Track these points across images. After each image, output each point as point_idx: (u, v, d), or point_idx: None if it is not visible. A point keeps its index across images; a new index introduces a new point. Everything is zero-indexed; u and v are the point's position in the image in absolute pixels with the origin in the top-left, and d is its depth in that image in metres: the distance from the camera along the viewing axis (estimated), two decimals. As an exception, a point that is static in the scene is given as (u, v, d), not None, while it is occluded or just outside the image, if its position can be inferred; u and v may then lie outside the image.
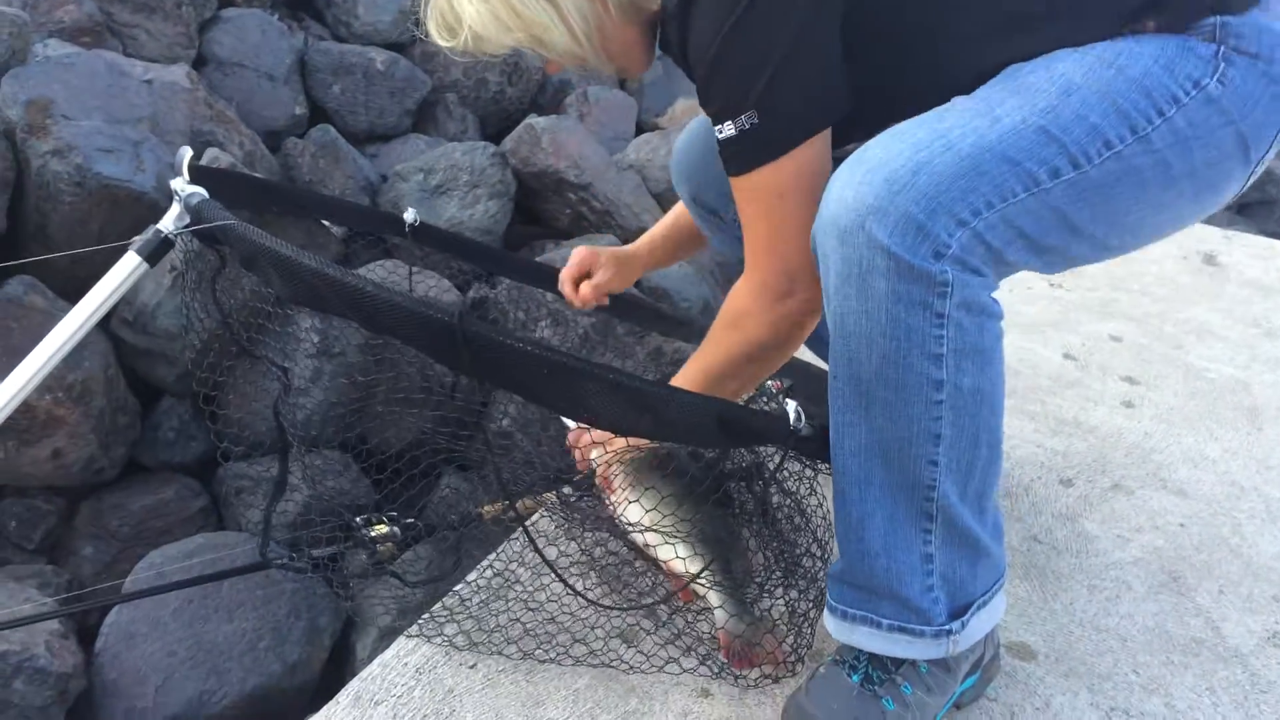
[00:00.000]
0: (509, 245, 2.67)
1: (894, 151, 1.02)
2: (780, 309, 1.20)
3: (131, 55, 2.52)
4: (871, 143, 1.05)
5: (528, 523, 1.56)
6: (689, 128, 1.63)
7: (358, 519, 1.70)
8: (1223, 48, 1.05)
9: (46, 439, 1.72)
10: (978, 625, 1.20)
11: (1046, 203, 1.05)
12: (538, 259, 2.46)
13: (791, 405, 1.16)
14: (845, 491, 1.15)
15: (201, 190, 1.30)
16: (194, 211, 1.27)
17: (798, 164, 1.11)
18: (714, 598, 1.36)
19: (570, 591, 1.33)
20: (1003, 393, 1.12)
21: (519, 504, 1.63)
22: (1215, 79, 1.04)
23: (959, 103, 1.09)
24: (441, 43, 1.24)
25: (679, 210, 1.72)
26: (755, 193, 1.15)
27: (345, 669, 1.63)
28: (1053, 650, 1.45)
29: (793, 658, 1.36)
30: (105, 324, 1.94)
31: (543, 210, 2.72)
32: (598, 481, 1.45)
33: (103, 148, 2.00)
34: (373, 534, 1.66)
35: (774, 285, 1.18)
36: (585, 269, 1.69)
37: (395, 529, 1.66)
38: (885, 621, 1.18)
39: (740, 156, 1.13)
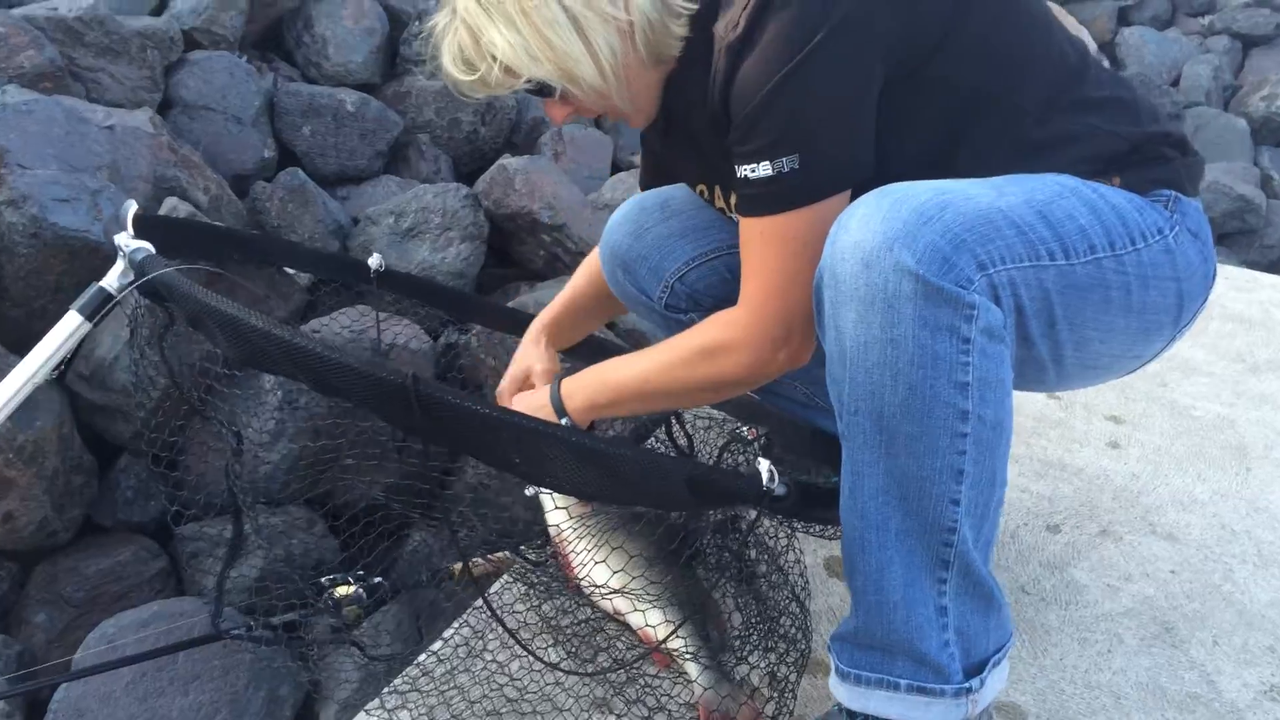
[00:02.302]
0: (482, 288, 2.62)
1: (919, 190, 1.04)
2: (769, 356, 1.19)
3: (95, 100, 2.47)
4: (892, 185, 1.05)
5: (491, 591, 1.50)
6: (619, 211, 1.61)
7: (322, 579, 1.64)
8: (1175, 215, 1.19)
9: (-3, 501, 1.65)
10: (993, 685, 1.16)
11: (1042, 281, 1.08)
12: (511, 303, 2.42)
13: (764, 464, 1.10)
14: (864, 538, 1.10)
15: (147, 245, 1.24)
16: (138, 267, 1.21)
17: (822, 215, 1.10)
18: (690, 667, 1.31)
19: (538, 661, 1.26)
20: (1012, 429, 1.11)
21: (482, 563, 1.57)
22: (1172, 235, 1.17)
23: (965, 179, 1.11)
24: (457, 76, 1.21)
25: (590, 279, 1.68)
26: (775, 237, 1.15)
27: (308, 741, 1.56)
28: (1044, 710, 1.39)
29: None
30: (60, 379, 1.87)
31: (517, 252, 2.67)
32: (556, 544, 1.40)
33: (59, 197, 1.94)
34: (337, 595, 1.60)
35: (773, 332, 1.17)
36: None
37: (361, 590, 1.60)
38: (903, 682, 1.13)
39: (770, 198, 1.13)
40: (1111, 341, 1.19)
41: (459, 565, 1.63)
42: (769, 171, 1.11)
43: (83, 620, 1.69)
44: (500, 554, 1.63)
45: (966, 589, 1.12)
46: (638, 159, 3.46)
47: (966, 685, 1.13)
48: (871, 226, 1.01)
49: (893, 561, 1.10)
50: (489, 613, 1.21)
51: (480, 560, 1.61)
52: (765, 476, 1.09)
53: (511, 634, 1.19)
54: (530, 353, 1.60)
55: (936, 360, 1.01)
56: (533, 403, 1.34)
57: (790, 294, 1.15)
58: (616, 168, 3.26)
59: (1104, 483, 1.97)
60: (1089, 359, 1.21)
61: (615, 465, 1.04)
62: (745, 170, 1.14)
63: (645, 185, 1.66)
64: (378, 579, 1.65)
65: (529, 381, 1.55)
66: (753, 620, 1.38)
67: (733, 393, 1.29)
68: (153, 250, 1.25)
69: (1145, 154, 1.22)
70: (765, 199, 1.14)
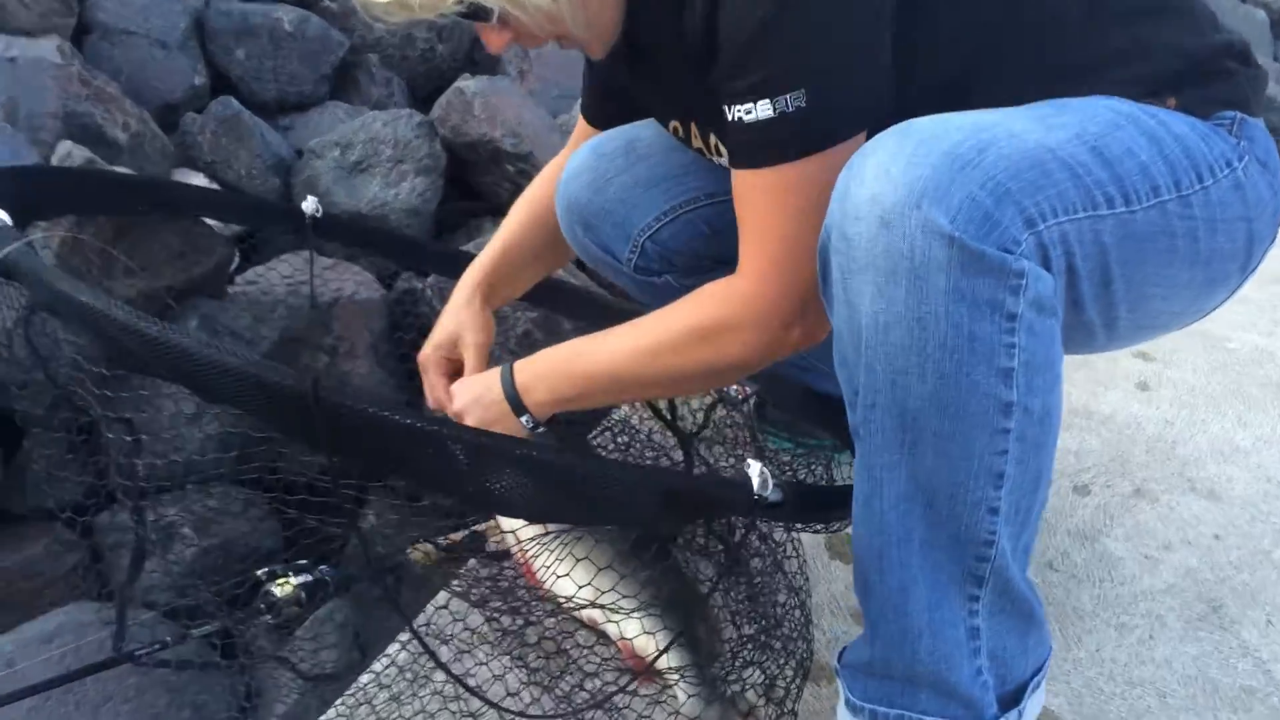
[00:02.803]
0: (442, 226, 2.38)
1: (951, 127, 0.82)
2: (781, 335, 0.99)
3: None
4: (918, 119, 0.83)
5: (427, 612, 1.30)
6: (575, 158, 1.37)
7: (258, 573, 1.45)
8: (1242, 142, 1.00)
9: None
10: (1031, 713, 1.00)
11: (1098, 234, 0.88)
12: (475, 241, 2.18)
13: (755, 467, 0.90)
14: (882, 554, 0.91)
15: (-1, 214, 1.01)
16: (-19, 241, 0.98)
17: (835, 164, 0.88)
18: (679, 690, 1.12)
19: (487, 704, 1.07)
20: (1061, 417, 0.92)
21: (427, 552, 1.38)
22: (1241, 167, 0.99)
23: (1003, 109, 0.90)
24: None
25: (527, 223, 1.43)
26: (781, 193, 0.95)
27: (246, 762, 1.38)
28: (1081, 716, 1.22)
29: None
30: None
31: (480, 184, 2.42)
32: (515, 554, 1.20)
33: (-55, 141, 1.69)
34: (274, 593, 1.40)
35: (784, 308, 0.97)
36: (445, 370, 1.34)
37: (301, 589, 1.40)
38: (926, 719, 0.95)
39: (773, 144, 0.92)
40: (1173, 298, 1.00)
41: (421, 549, 1.44)
42: (769, 113, 0.90)
43: (-4, 622, 1.49)
44: (469, 530, 1.44)
45: (1002, 606, 0.94)
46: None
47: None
48: (892, 176, 0.79)
49: (916, 582, 0.91)
50: (423, 650, 1.01)
51: (428, 548, 1.42)
52: (757, 482, 0.90)
53: (451, 675, 0.99)
54: (461, 318, 1.34)
55: (975, 342, 0.81)
56: (480, 396, 1.12)
57: (802, 261, 0.94)
58: (588, 85, 2.99)
59: (1135, 432, 1.77)
60: (1145, 319, 1.02)
61: (574, 482, 0.84)
62: (738, 112, 0.92)
63: (591, 114, 1.42)
64: (322, 568, 1.46)
65: (456, 351, 1.31)
66: (746, 629, 1.19)
67: (732, 379, 1.09)
68: (6, 218, 1.02)
69: (1206, 70, 1.01)
70: (766, 146, 0.93)
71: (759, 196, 0.96)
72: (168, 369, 0.84)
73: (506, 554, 1.31)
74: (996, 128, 0.83)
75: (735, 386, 1.61)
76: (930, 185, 0.78)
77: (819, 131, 0.90)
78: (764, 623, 1.18)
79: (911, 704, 0.96)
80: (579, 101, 1.49)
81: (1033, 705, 1.00)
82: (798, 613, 1.18)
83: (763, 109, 0.90)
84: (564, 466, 0.84)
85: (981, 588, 0.91)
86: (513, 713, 1.12)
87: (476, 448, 0.82)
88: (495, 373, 1.12)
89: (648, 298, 1.42)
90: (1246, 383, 1.93)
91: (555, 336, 1.93)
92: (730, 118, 0.93)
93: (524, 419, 1.09)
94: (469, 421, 1.10)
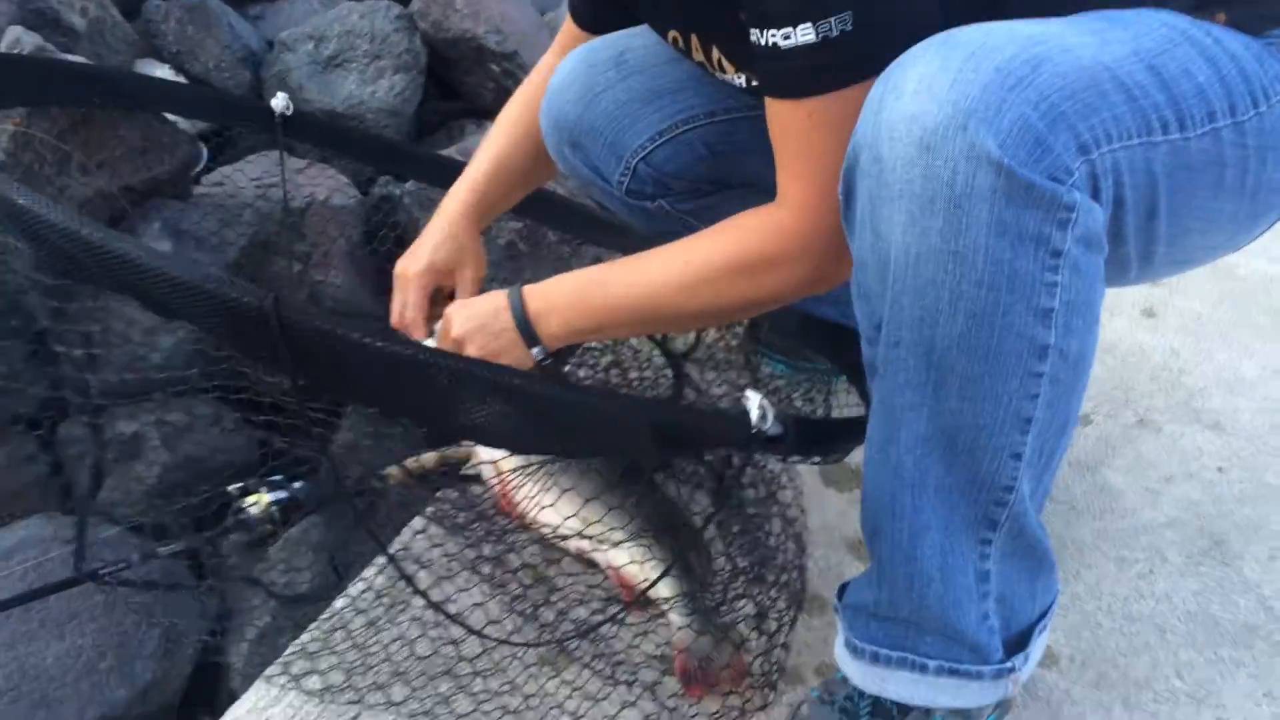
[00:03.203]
0: (422, 127, 2.26)
1: (1000, 39, 0.74)
2: (831, 269, 0.94)
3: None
4: (962, 29, 0.75)
5: (403, 538, 1.25)
6: (562, 68, 1.27)
7: (229, 488, 1.39)
8: None
9: None
10: (1036, 656, 0.97)
11: (1150, 163, 0.80)
12: (458, 145, 2.08)
13: (754, 399, 0.84)
14: (895, 500, 0.86)
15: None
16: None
17: None
18: (673, 616, 1.08)
19: (469, 632, 1.02)
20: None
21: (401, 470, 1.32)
22: None
23: (1053, 19, 0.82)
24: None
25: (518, 137, 1.33)
26: (825, 123, 0.87)
27: (219, 683, 1.34)
28: (1078, 651, 1.19)
29: (762, 683, 1.09)
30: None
31: (462, 84, 2.30)
32: (494, 486, 1.14)
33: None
34: (247, 509, 1.35)
35: (835, 241, 0.89)
36: (428, 293, 1.25)
37: (276, 502, 1.35)
38: (932, 663, 0.91)
39: (816, 72, 0.85)
40: (1213, 232, 0.93)
41: (396, 468, 1.38)
42: (811, 38, 0.81)
43: (-49, 539, 1.43)
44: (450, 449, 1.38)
45: (1015, 551, 0.90)
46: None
47: (1008, 664, 0.93)
48: (936, 92, 0.71)
49: (929, 528, 0.86)
50: (398, 575, 0.96)
51: (424, 457, 1.36)
52: (755, 415, 0.83)
53: (430, 602, 0.94)
54: (461, 244, 1.25)
55: (1015, 280, 0.74)
56: (486, 324, 1.03)
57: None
58: (578, -20, 2.84)
59: (1139, 360, 1.72)
60: (1181, 254, 0.95)
61: (563, 414, 0.77)
62: (774, 37, 0.83)
63: (580, 14, 1.31)
64: (296, 484, 1.40)
65: (447, 278, 1.23)
66: (739, 561, 1.14)
67: (768, 309, 1.03)
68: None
69: None
70: (809, 74, 0.85)
71: (801, 127, 0.89)
72: (115, 282, 0.76)
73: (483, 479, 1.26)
74: (1050, 42, 0.75)
75: None
76: (979, 105, 0.70)
77: (867, 56, 0.81)
78: (757, 555, 1.13)
79: (915, 647, 0.92)
80: None
81: (1038, 648, 0.97)
82: (791, 545, 1.14)
83: (803, 33, 0.81)
84: (550, 398, 0.78)
85: (996, 531, 0.87)
86: (494, 639, 1.07)
87: (459, 375, 0.75)
88: (500, 297, 1.04)
89: (639, 222, 1.34)
90: (1255, 311, 1.88)
91: (540, 249, 1.85)
92: (762, 42, 0.84)
93: (535, 350, 1.02)
94: (470, 350, 1.02)
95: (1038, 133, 0.72)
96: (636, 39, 1.25)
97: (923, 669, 0.92)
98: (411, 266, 1.23)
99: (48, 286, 0.93)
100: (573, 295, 1.02)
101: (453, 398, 0.76)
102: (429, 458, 1.36)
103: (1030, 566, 0.92)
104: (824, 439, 0.98)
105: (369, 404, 0.84)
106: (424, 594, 0.99)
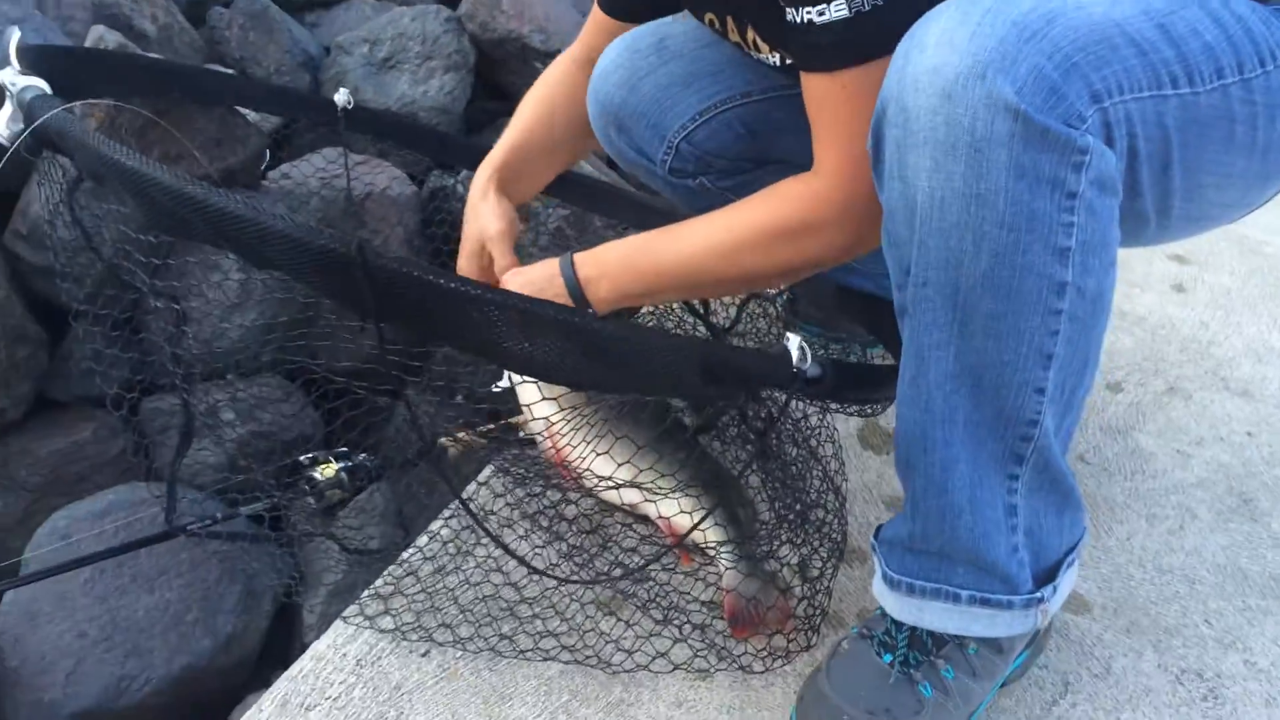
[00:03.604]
0: (471, 124, 2.36)
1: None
2: (867, 233, 0.97)
3: (24, -84, 2.16)
4: None
5: (471, 488, 1.33)
6: (606, 55, 1.33)
7: (301, 459, 1.48)
8: None
9: (-70, 377, 1.47)
10: (1065, 590, 1.02)
11: (1161, 116, 0.85)
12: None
13: (794, 340, 0.91)
14: (926, 434, 0.92)
15: (39, 83, 1.01)
16: (28, 110, 0.98)
17: None
18: (721, 561, 1.14)
19: (531, 571, 1.10)
20: (1113, 298, 0.91)
21: (465, 438, 1.40)
22: None
23: None
24: None
25: (542, 116, 1.40)
26: (859, 93, 0.92)
27: (292, 638, 1.42)
28: (1110, 600, 1.24)
29: (805, 625, 1.15)
30: (-3, 239, 1.66)
31: (507, 83, 2.39)
32: (544, 441, 1.21)
33: (-25, 28, 1.68)
34: (316, 477, 1.44)
35: (870, 207, 0.93)
36: (480, 261, 1.32)
37: (343, 470, 1.44)
38: (965, 594, 0.97)
39: (849, 46, 0.91)
40: (1227, 188, 0.98)
41: (451, 439, 1.46)
42: (844, 13, 0.88)
43: (41, 505, 1.53)
44: (502, 422, 1.46)
45: (1041, 485, 0.95)
46: (642, -26, 3.11)
47: (1038, 595, 0.98)
48: (956, 45, 0.77)
49: (959, 460, 0.91)
50: (469, 518, 1.04)
51: (464, 435, 1.44)
52: (796, 355, 0.90)
53: (496, 540, 1.02)
54: (479, 212, 1.31)
55: (1033, 221, 0.80)
56: (542, 290, 1.09)
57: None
58: (619, -17, 2.93)
59: (1170, 332, 1.76)
60: (1197, 210, 0.99)
61: (616, 348, 0.84)
62: (809, 13, 0.89)
63: (614, 4, 1.36)
64: (362, 456, 1.49)
65: (485, 250, 1.29)
66: (781, 510, 1.20)
67: (808, 274, 1.10)
68: (47, 89, 1.02)
69: None
70: (842, 48, 0.91)
71: (835, 98, 0.94)
72: (214, 233, 0.84)
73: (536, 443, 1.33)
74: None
75: None
76: (996, 55, 0.76)
77: (896, 28, 0.85)
78: (799, 504, 1.19)
79: (949, 578, 0.97)
80: None
81: (1066, 582, 1.02)
82: (832, 496, 1.20)
83: (837, 9, 0.87)
84: (609, 334, 0.85)
85: (1022, 466, 0.92)
86: (555, 577, 1.14)
87: (524, 313, 0.83)
88: (553, 264, 1.10)
89: (682, 201, 1.41)
90: (1284, 286, 1.92)
91: (587, 234, 1.93)
92: (797, 19, 0.91)
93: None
94: None
95: (1052, 81, 0.77)
96: (676, 25, 1.32)
97: (956, 599, 0.97)
98: (460, 264, 1.32)
99: (149, 249, 1.01)
100: (622, 260, 1.09)
101: (518, 335, 0.84)
102: (482, 429, 1.45)
103: (1056, 501, 0.97)
104: (859, 382, 1.03)
105: (444, 341, 0.91)
106: (492, 534, 1.06)
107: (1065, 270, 0.82)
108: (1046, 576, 0.99)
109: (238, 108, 1.61)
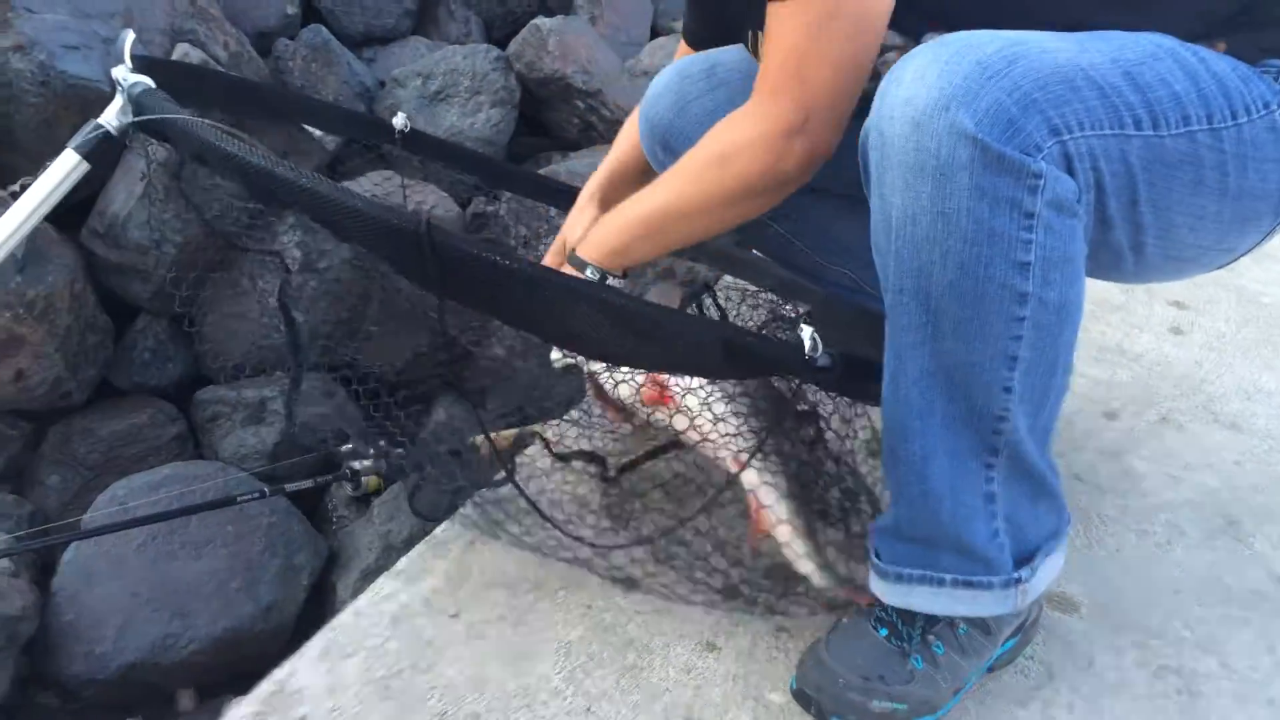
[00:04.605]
0: (513, 157, 2.50)
1: (984, 39, 0.90)
2: (787, 146, 1.06)
3: (110, -52, 2.34)
4: (956, 33, 0.92)
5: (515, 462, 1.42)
6: (659, 79, 1.45)
7: (341, 449, 1.58)
8: None
9: (9, 359, 1.59)
10: (1044, 574, 1.09)
11: (1125, 154, 0.94)
12: (543, 172, 2.30)
13: (807, 331, 1.01)
14: (906, 426, 1.01)
15: (145, 79, 1.14)
16: (137, 103, 1.11)
17: None
18: (803, 563, 1.21)
19: (561, 533, 1.19)
20: (1082, 310, 0.99)
21: (507, 435, 1.50)
22: None
23: (1043, 32, 0.96)
24: None
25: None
26: (793, 14, 1.02)
27: (325, 610, 1.52)
28: (1097, 602, 1.32)
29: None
30: (74, 235, 1.80)
31: (549, 119, 2.54)
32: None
33: (69, 44, 1.84)
34: (357, 466, 1.54)
35: (788, 118, 1.04)
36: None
37: (382, 460, 1.54)
38: (948, 577, 1.05)
39: None
40: (1201, 230, 1.05)
41: (483, 438, 1.57)
42: None
43: (97, 483, 1.65)
44: (528, 428, 1.56)
45: (1015, 475, 1.03)
46: (679, 25, 3.27)
47: (1016, 576, 1.05)
48: (926, 81, 0.88)
49: (937, 451, 1.00)
50: (511, 484, 1.14)
51: (505, 433, 1.55)
52: (809, 345, 1.00)
53: (533, 503, 1.12)
54: (573, 220, 1.44)
55: (994, 237, 0.89)
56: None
57: (806, 73, 1.03)
58: (656, 33, 3.09)
59: (1165, 369, 1.85)
60: (1173, 249, 1.07)
61: (647, 325, 0.95)
62: None
63: (691, 34, 1.48)
64: (398, 450, 1.59)
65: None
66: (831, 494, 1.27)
67: (758, 203, 1.13)
68: (152, 84, 1.15)
69: (1257, 16, 1.05)
70: None
71: (776, 24, 1.04)
72: (302, 206, 0.96)
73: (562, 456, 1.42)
74: (1029, 43, 0.91)
75: (789, 306, 1.67)
76: (959, 91, 0.86)
77: None
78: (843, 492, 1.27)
79: (934, 564, 1.05)
80: (645, 46, 1.57)
81: (1046, 568, 1.09)
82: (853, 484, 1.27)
83: None
84: (641, 312, 0.95)
85: (997, 456, 1.00)
86: (596, 545, 1.23)
87: (569, 291, 0.93)
88: (568, 268, 1.19)
89: None
90: (1276, 334, 2.00)
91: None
92: None
93: (588, 272, 1.17)
94: None
95: (1010, 114, 0.87)
96: (727, 54, 1.42)
97: (940, 583, 1.05)
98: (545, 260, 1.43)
99: (248, 222, 1.13)
100: (604, 224, 1.20)
101: (561, 310, 0.95)
102: (510, 432, 1.55)
103: (1030, 490, 1.05)
104: (868, 376, 1.12)
105: (499, 316, 1.01)
106: (534, 503, 1.16)
107: (1026, 282, 0.91)
108: (1026, 560, 1.07)
109: (305, 125, 1.74)
